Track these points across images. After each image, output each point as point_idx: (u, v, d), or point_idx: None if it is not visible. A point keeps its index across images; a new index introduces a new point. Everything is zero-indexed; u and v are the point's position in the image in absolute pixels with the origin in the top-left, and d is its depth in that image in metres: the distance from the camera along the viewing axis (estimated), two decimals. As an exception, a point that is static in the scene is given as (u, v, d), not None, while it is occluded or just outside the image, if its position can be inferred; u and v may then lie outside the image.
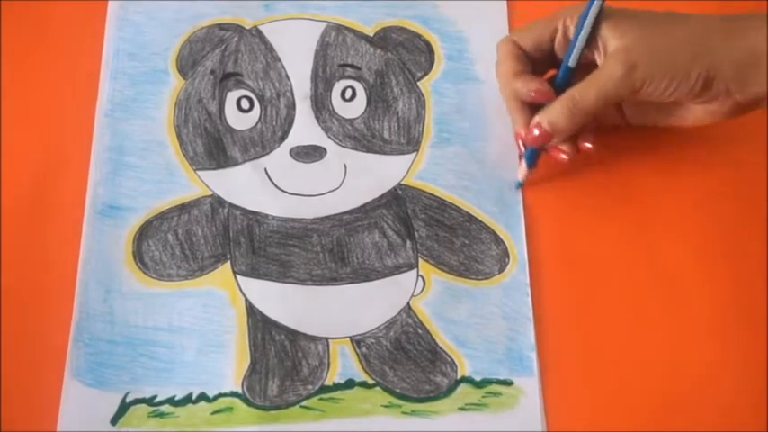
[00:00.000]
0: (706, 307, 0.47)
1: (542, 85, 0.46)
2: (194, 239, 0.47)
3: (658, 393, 0.45)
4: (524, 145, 0.47)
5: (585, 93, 0.44)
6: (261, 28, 0.52)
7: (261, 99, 0.51)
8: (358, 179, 0.49)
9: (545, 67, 0.47)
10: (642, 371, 0.45)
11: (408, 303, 0.47)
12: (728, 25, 0.43)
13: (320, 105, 0.50)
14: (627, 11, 0.44)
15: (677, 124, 0.47)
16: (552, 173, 0.50)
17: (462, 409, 0.44)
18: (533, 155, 0.48)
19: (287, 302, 0.46)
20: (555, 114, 0.45)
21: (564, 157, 0.47)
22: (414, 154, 0.50)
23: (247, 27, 0.53)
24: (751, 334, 0.46)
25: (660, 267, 0.48)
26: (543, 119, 0.45)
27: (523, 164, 0.48)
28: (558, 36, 0.46)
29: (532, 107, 0.46)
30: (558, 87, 0.46)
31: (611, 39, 0.44)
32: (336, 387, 0.45)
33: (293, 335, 0.46)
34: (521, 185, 0.49)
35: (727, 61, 0.42)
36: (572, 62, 0.45)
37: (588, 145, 0.47)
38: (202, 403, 0.44)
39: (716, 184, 0.50)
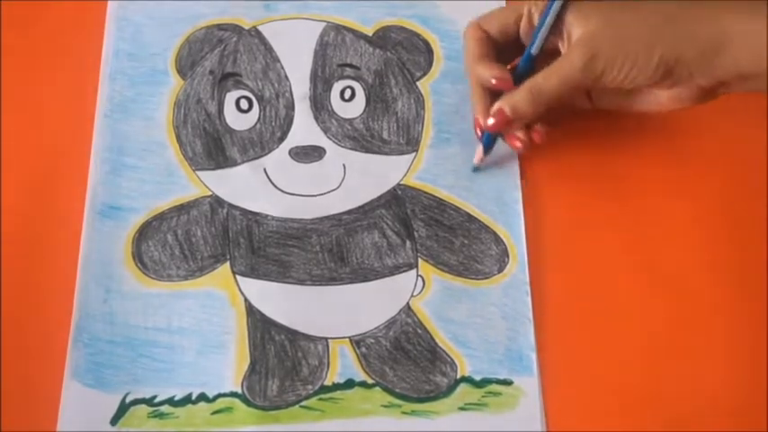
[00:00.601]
0: (707, 306, 0.47)
1: (503, 72, 0.46)
2: (194, 240, 0.47)
3: (658, 393, 0.45)
4: (482, 130, 0.48)
5: (548, 80, 0.44)
6: (260, 28, 0.52)
7: (260, 99, 0.51)
8: (357, 179, 0.49)
9: (511, 53, 0.48)
10: (642, 370, 0.45)
11: (408, 303, 0.47)
12: (691, 10, 0.43)
13: (319, 105, 0.50)
14: None
15: (643, 109, 0.47)
16: (553, 172, 0.50)
17: (462, 408, 0.44)
18: (490, 140, 0.48)
19: (286, 303, 0.46)
20: (517, 100, 0.45)
21: (519, 144, 0.47)
22: (413, 154, 0.50)
23: (246, 27, 0.53)
24: (752, 336, 0.46)
25: (660, 266, 0.48)
26: (505, 104, 0.45)
27: (480, 149, 0.49)
28: (523, 22, 0.46)
29: (493, 94, 0.47)
30: (520, 74, 0.46)
31: (575, 26, 0.44)
32: (336, 387, 0.45)
33: (293, 335, 0.46)
34: (476, 170, 0.50)
35: (690, 46, 0.42)
36: (534, 50, 0.46)
37: (537, 136, 0.47)
38: (202, 403, 0.44)
39: (715, 174, 0.50)
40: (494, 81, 0.46)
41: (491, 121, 0.46)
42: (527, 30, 0.46)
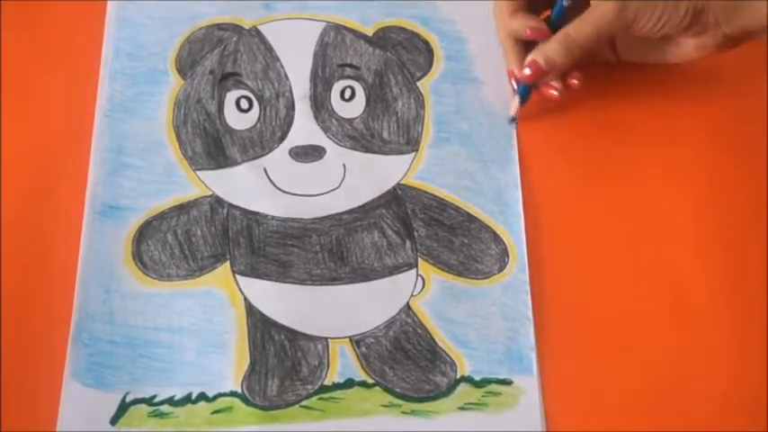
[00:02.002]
0: (708, 306, 0.47)
1: (539, 23, 0.47)
2: (194, 239, 0.47)
3: (658, 393, 0.45)
4: (517, 82, 0.49)
5: (581, 30, 0.45)
6: (260, 28, 0.53)
7: (260, 99, 0.51)
8: (357, 179, 0.49)
9: (540, 6, 0.49)
10: (642, 370, 0.45)
11: (408, 303, 0.47)
12: None
13: (319, 105, 0.50)
14: None
15: (668, 60, 0.48)
16: (553, 172, 0.50)
17: (462, 408, 0.44)
18: (526, 91, 0.49)
19: (286, 302, 0.46)
20: (551, 51, 0.46)
21: (554, 93, 0.49)
22: (413, 154, 0.50)
23: (246, 27, 0.53)
24: (753, 337, 0.46)
25: (661, 266, 0.48)
26: (539, 55, 0.47)
27: (516, 99, 0.50)
28: None
29: (526, 46, 0.48)
30: (553, 25, 0.47)
31: None
32: (336, 387, 0.45)
33: (293, 335, 0.46)
34: (514, 120, 0.51)
35: None
36: (566, 1, 0.47)
37: (575, 81, 0.48)
38: (202, 403, 0.44)
39: (717, 166, 0.50)
40: (529, 32, 0.47)
41: (527, 71, 0.47)
42: None
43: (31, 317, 0.45)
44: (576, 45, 0.45)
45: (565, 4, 0.47)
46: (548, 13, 0.49)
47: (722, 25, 0.44)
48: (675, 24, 0.44)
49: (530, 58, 0.47)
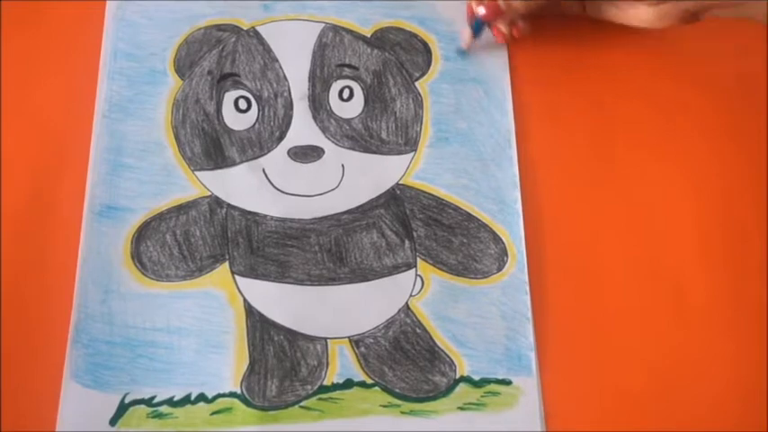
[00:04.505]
0: (709, 306, 0.47)
1: None
2: (192, 240, 0.47)
3: (658, 392, 0.45)
4: (473, 17, 0.50)
5: None
6: (258, 28, 0.53)
7: (258, 99, 0.51)
8: (356, 179, 0.49)
9: None
10: (642, 370, 0.45)
11: (407, 303, 0.47)
12: None
13: (318, 105, 0.50)
14: None
15: (631, 23, 0.49)
16: (552, 171, 0.50)
17: (461, 408, 0.44)
18: (479, 27, 0.51)
19: (285, 303, 0.46)
20: None
21: (500, 38, 0.51)
22: (411, 154, 0.50)
23: (245, 28, 0.53)
24: (753, 336, 0.46)
25: (661, 266, 0.48)
26: None
27: (468, 32, 0.51)
28: None
29: None
30: None
31: None
32: (335, 387, 0.45)
33: (292, 335, 0.46)
34: (463, 53, 0.52)
35: None
36: None
37: (517, 31, 0.50)
38: (201, 404, 0.44)
39: (717, 160, 0.50)
40: None
41: (482, 10, 0.49)
42: None
43: (31, 317, 0.45)
44: None
45: None
46: None
47: None
48: None
49: None
